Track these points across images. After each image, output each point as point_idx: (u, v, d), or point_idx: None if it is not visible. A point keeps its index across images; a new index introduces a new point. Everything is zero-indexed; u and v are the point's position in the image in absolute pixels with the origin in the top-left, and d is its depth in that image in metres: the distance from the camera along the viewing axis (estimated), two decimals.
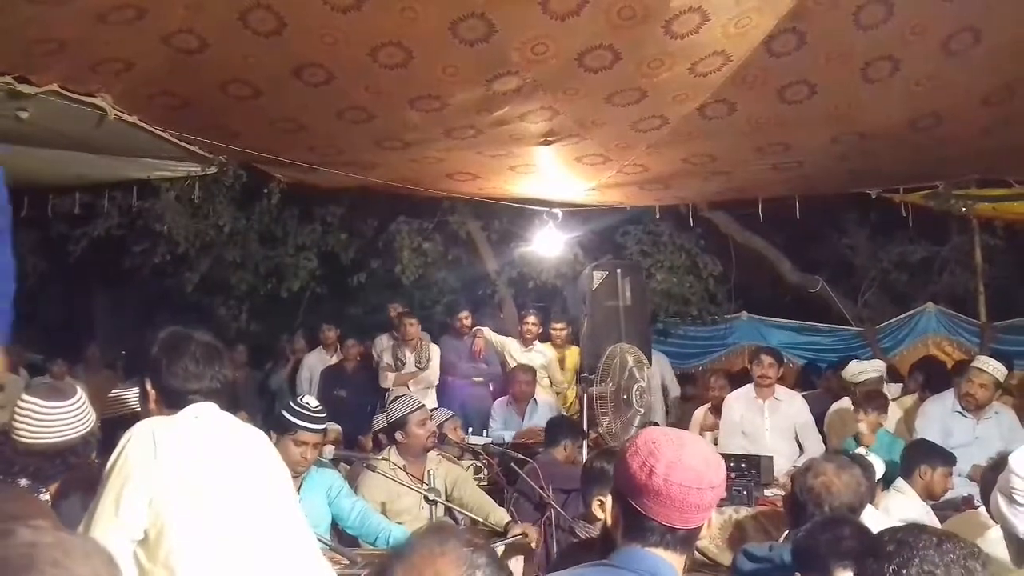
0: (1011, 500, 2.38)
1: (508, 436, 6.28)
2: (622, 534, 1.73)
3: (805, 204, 7.43)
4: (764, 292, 10.28)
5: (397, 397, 4.89)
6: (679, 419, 7.57)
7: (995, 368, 5.31)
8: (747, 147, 5.86)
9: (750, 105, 5.17)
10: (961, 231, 8.77)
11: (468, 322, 7.42)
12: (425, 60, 4.54)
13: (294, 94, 4.89)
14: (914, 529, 1.69)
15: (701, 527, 1.72)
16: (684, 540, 1.70)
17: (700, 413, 6.67)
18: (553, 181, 6.53)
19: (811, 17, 4.32)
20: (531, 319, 7.29)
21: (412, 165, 6.22)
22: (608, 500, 1.77)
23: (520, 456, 4.73)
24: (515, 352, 7.22)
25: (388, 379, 7.12)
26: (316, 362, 7.95)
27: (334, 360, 7.87)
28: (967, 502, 4.61)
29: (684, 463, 1.67)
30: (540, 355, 7.23)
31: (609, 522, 1.76)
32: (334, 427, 5.74)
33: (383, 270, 9.27)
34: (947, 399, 5.45)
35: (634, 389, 5.82)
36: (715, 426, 6.27)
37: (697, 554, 4.42)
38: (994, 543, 2.91)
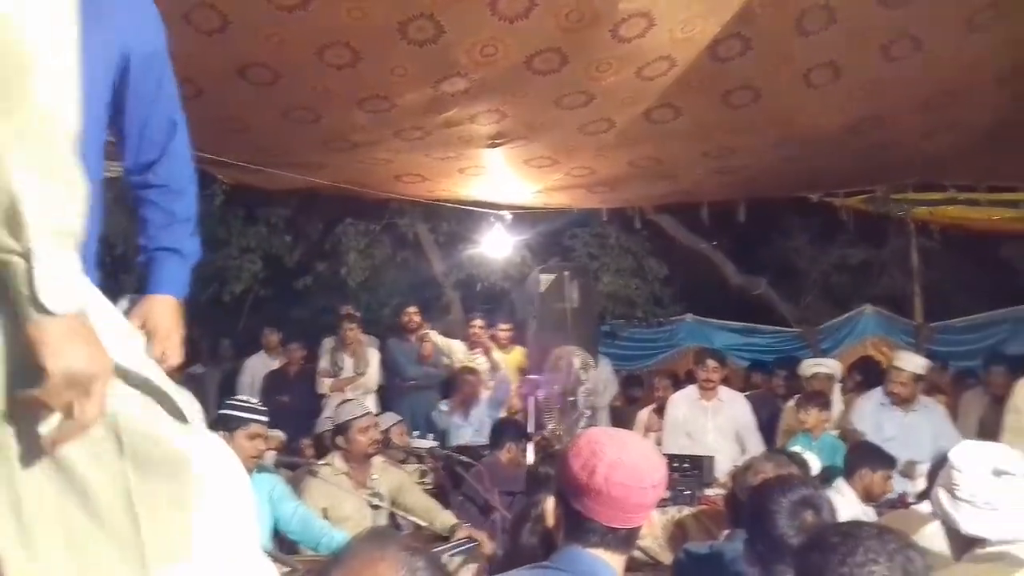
0: (953, 495, 2.42)
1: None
2: (563, 535, 1.74)
3: (749, 207, 7.54)
4: (709, 294, 10.42)
5: (345, 401, 4.83)
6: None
7: (915, 364, 5.51)
8: (693, 151, 5.92)
9: (695, 109, 5.23)
10: (899, 234, 8.98)
11: (416, 318, 7.36)
12: (373, 60, 4.49)
13: (239, 93, 4.80)
14: (855, 523, 1.74)
15: (641, 526, 1.73)
16: (625, 539, 1.72)
17: (644, 414, 6.72)
18: (501, 183, 6.53)
19: (755, 22, 4.38)
20: (477, 322, 7.28)
21: (359, 166, 6.16)
22: (550, 502, 1.77)
23: (465, 459, 4.72)
24: (461, 355, 7.20)
25: (324, 384, 7.02)
26: (258, 366, 7.79)
27: (277, 364, 7.73)
28: (902, 500, 4.73)
29: (626, 463, 1.68)
30: (486, 359, 7.21)
31: (551, 524, 1.77)
32: (277, 434, 5.64)
33: (329, 272, 9.16)
34: (876, 394, 5.63)
35: (580, 391, 5.86)
36: (660, 427, 6.32)
37: (640, 553, 4.45)
38: (930, 537, 2.98)
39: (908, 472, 4.90)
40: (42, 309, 1.10)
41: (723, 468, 5.38)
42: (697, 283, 10.30)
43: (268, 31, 4.20)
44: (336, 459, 4.34)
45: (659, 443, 6.25)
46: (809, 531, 2.13)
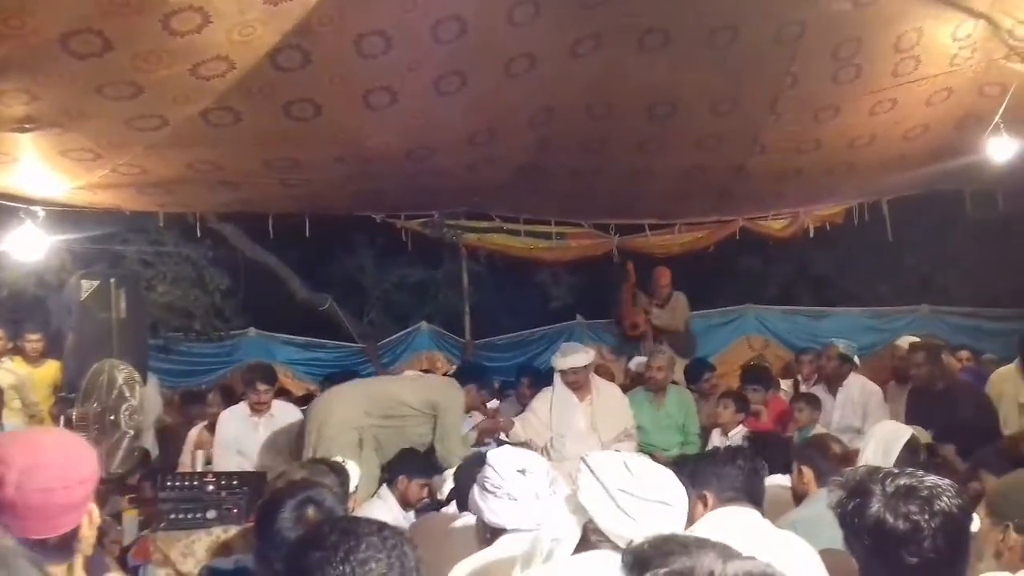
0: (483, 488, 2.71)
1: None
2: None
3: (316, 223, 7.60)
4: (275, 308, 10.28)
5: None
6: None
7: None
8: (254, 159, 5.77)
9: (256, 117, 5.10)
10: (452, 258, 9.71)
11: None
12: None
13: None
14: (354, 519, 1.82)
15: (79, 527, 1.59)
16: (59, 547, 1.56)
17: (195, 431, 6.41)
18: (32, 175, 5.73)
19: (315, 37, 4.41)
20: None
21: None
22: None
23: None
24: None
25: None
26: None
27: None
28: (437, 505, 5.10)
29: (42, 465, 1.54)
30: (10, 374, 6.34)
31: None
32: None
33: None
34: None
35: (123, 409, 5.51)
36: (211, 443, 6.08)
37: None
38: (460, 534, 3.27)
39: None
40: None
41: None
42: (262, 296, 10.11)
43: None
44: None
45: (209, 461, 6.01)
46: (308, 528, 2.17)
